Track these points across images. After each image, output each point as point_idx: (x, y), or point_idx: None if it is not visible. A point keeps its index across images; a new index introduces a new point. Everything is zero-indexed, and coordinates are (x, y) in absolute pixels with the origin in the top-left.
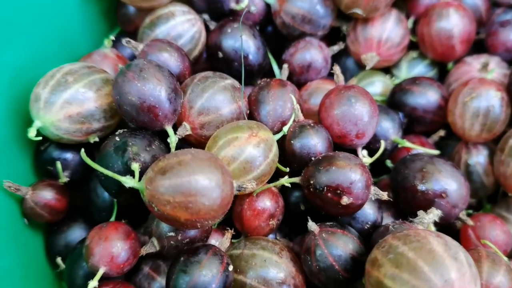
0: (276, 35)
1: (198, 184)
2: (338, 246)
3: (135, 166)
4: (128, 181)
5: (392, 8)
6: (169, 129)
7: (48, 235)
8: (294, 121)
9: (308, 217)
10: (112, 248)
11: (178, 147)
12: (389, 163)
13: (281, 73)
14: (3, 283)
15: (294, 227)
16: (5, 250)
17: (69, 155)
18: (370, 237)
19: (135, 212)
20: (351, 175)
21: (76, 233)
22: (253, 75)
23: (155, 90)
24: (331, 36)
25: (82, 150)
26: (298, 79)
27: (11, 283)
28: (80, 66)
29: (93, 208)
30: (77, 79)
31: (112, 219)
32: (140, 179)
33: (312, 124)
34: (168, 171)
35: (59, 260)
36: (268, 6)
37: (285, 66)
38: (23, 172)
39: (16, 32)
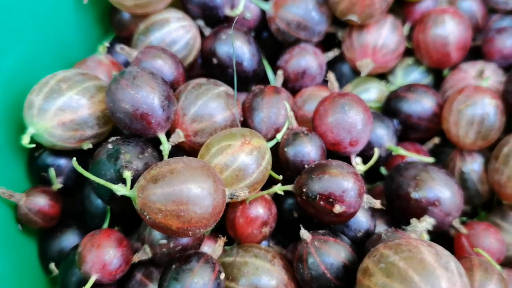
0: (271, 41)
1: (190, 192)
2: (330, 254)
3: (127, 174)
4: (120, 189)
5: (388, 14)
6: (162, 137)
7: (42, 241)
8: (288, 128)
9: (301, 225)
10: (104, 255)
11: (172, 154)
12: (383, 170)
13: (276, 80)
14: None
15: (287, 234)
16: None
17: (62, 162)
18: (363, 245)
19: (128, 218)
20: (344, 183)
21: (69, 239)
22: (247, 82)
23: (148, 98)
24: (327, 42)
25: (74, 159)
26: (293, 85)
27: None
28: (73, 73)
29: (86, 215)
30: (71, 86)
31: (105, 225)
32: (132, 187)
33: (305, 132)
34: (160, 179)
35: (52, 266)
36: (263, 12)
37: (280, 72)
38: (17, 178)
39: (10, 38)
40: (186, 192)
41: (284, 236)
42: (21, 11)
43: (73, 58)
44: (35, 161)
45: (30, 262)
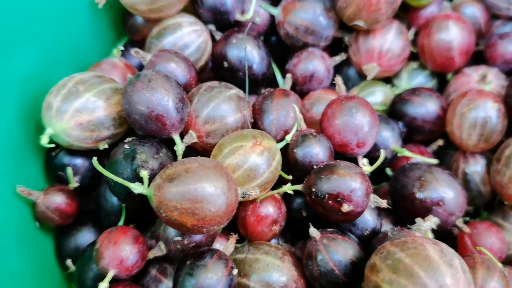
0: (280, 45)
1: (204, 191)
2: (339, 252)
3: (144, 173)
4: (137, 188)
5: (393, 20)
6: (176, 137)
7: (58, 238)
8: (297, 130)
9: (310, 223)
10: (121, 251)
11: (185, 154)
12: (388, 171)
13: (285, 83)
14: (15, 283)
15: (296, 232)
16: (17, 252)
17: (79, 161)
18: (369, 243)
19: (142, 216)
20: (352, 183)
21: (85, 237)
22: (257, 85)
23: (163, 100)
24: (334, 47)
25: (94, 158)
26: (301, 88)
27: (23, 283)
28: (90, 76)
29: (102, 213)
30: (88, 88)
31: (121, 223)
32: (148, 186)
33: (314, 133)
34: (176, 178)
35: (69, 262)
36: (272, 17)
37: (288, 76)
38: (35, 177)
39: (28, 42)
40: (200, 191)
41: (292, 234)
42: (38, 16)
43: (88, 61)
44: (52, 160)
45: (47, 258)
